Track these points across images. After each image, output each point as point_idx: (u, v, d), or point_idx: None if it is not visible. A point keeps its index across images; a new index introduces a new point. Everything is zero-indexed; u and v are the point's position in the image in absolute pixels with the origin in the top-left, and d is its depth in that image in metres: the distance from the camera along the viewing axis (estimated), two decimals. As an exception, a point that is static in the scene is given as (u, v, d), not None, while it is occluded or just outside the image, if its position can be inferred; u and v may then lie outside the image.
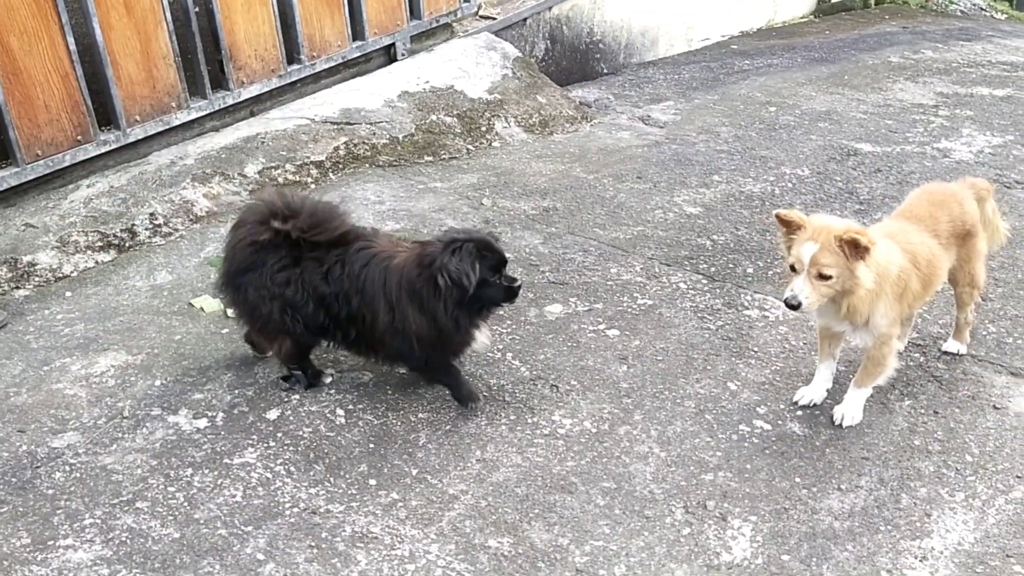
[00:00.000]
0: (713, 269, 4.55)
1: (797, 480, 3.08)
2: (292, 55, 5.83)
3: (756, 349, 3.86)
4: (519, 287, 3.28)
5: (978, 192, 3.63)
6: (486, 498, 2.98)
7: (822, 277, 2.97)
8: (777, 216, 3.14)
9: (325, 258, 3.28)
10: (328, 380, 3.56)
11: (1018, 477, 3.09)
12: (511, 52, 6.94)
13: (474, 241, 3.18)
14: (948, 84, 8.55)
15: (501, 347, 3.82)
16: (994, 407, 3.46)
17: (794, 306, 3.01)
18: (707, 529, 2.86)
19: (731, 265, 4.59)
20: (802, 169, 6.01)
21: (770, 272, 4.52)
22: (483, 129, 6.20)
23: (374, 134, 5.69)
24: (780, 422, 3.38)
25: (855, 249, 2.93)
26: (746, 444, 3.26)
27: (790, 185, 5.71)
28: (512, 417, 3.39)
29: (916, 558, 2.74)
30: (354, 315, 3.27)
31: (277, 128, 5.47)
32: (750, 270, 4.54)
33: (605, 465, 3.15)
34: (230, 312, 3.87)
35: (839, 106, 7.62)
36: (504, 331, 3.94)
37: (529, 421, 3.37)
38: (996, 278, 4.47)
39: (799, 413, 3.43)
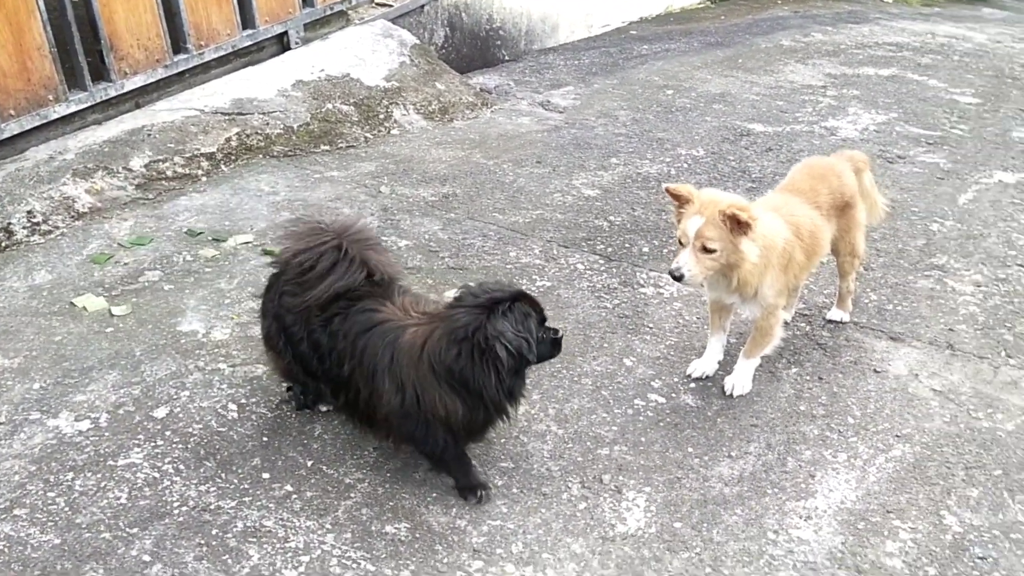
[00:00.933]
0: (610, 249, 4.60)
1: (690, 450, 3.15)
2: (178, 44, 5.64)
3: (651, 325, 3.93)
4: (562, 338, 2.90)
5: (855, 164, 3.76)
6: (384, 485, 2.96)
7: (706, 250, 3.04)
8: (667, 190, 3.21)
9: (330, 303, 2.89)
10: (324, 409, 3.26)
11: (897, 436, 3.23)
12: (408, 39, 6.88)
13: (517, 298, 2.72)
14: (836, 65, 8.84)
15: (399, 334, 3.79)
16: (875, 371, 3.60)
17: (678, 278, 3.07)
18: (603, 502, 2.90)
19: (627, 245, 4.66)
20: (697, 150, 6.13)
21: (665, 251, 4.60)
22: (381, 117, 6.13)
23: (267, 124, 5.55)
24: (674, 395, 3.45)
25: (737, 224, 3.00)
26: (641, 418, 3.32)
27: (686, 166, 5.82)
28: (410, 403, 3.36)
29: (801, 518, 2.83)
30: (345, 381, 2.89)
31: (164, 120, 5.28)
32: (646, 249, 4.61)
33: (503, 446, 3.16)
34: (115, 311, 3.73)
35: (733, 88, 7.81)
36: (402, 318, 3.90)
37: (427, 406, 3.34)
38: (878, 249, 4.66)
39: (692, 385, 3.51)
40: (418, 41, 7.01)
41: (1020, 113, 7.48)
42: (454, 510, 2.86)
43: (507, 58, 8.56)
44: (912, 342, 3.80)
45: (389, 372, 2.75)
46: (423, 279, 4.22)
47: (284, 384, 3.32)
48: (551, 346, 2.84)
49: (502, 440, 3.18)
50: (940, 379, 3.55)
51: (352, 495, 2.91)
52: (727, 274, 3.18)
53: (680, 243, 3.13)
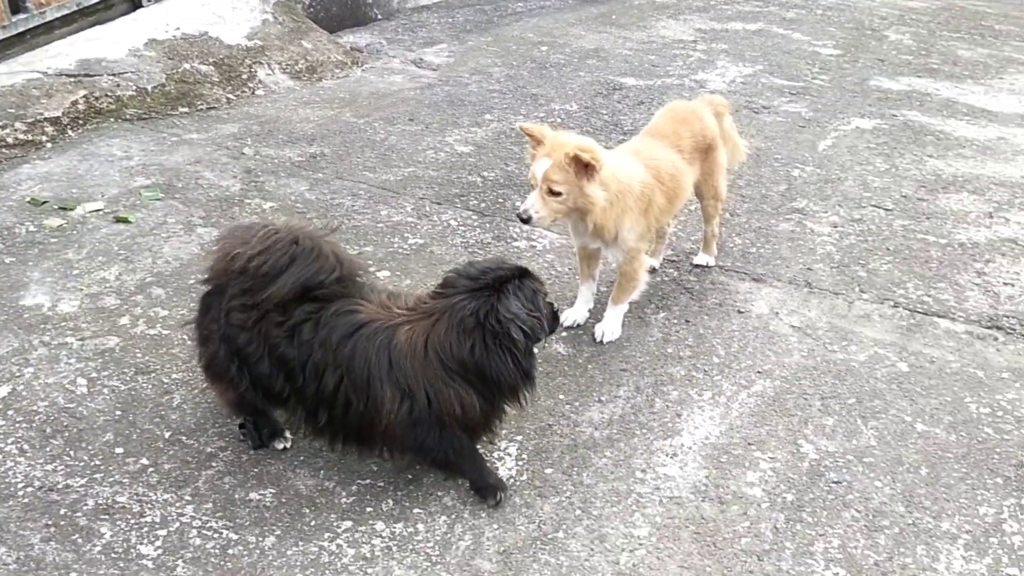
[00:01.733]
0: (483, 205, 4.56)
1: (561, 397, 3.16)
2: (17, 4, 5.25)
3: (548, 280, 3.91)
4: (558, 311, 2.80)
5: (716, 108, 3.82)
6: (248, 452, 2.85)
7: (552, 193, 3.03)
8: (521, 128, 3.19)
9: (291, 309, 2.52)
10: (281, 446, 2.85)
11: (758, 372, 3.33)
12: (271, -4, 6.60)
13: (523, 274, 2.54)
14: (706, 20, 9.00)
15: (264, 298, 3.65)
16: (738, 311, 3.70)
17: (525, 219, 3.07)
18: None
19: (501, 200, 4.62)
20: (571, 104, 6.13)
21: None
22: (244, 77, 5.87)
23: (119, 86, 5.24)
24: (546, 345, 3.45)
25: (582, 167, 2.99)
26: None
27: (559, 120, 5.81)
28: (275, 367, 3.24)
29: (667, 456, 2.89)
30: (328, 396, 2.53)
31: (3, 84, 4.91)
32: (519, 203, 4.58)
33: (373, 405, 3.09)
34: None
35: (607, 44, 7.84)
36: (267, 281, 3.76)
37: (294, 369, 3.24)
38: (743, 195, 4.78)
39: (564, 334, 3.52)
40: (282, -2, 6.73)
41: (877, 63, 7.79)
42: (322, 472, 2.78)
43: (379, 16, 8.33)
44: (773, 282, 3.92)
45: (389, 378, 2.46)
46: (289, 241, 4.07)
47: (236, 421, 2.88)
48: (552, 320, 2.68)
49: (372, 399, 3.11)
50: (799, 316, 3.68)
51: (214, 464, 2.80)
52: (583, 218, 3.18)
53: (531, 185, 3.12)
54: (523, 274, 2.53)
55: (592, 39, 7.96)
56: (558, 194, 3.02)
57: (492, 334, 2.44)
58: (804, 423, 3.07)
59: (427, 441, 2.55)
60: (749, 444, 2.96)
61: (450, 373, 2.47)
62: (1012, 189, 5.11)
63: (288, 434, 2.85)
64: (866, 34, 8.89)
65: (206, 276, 2.69)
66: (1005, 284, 4.01)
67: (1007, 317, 3.74)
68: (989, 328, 3.65)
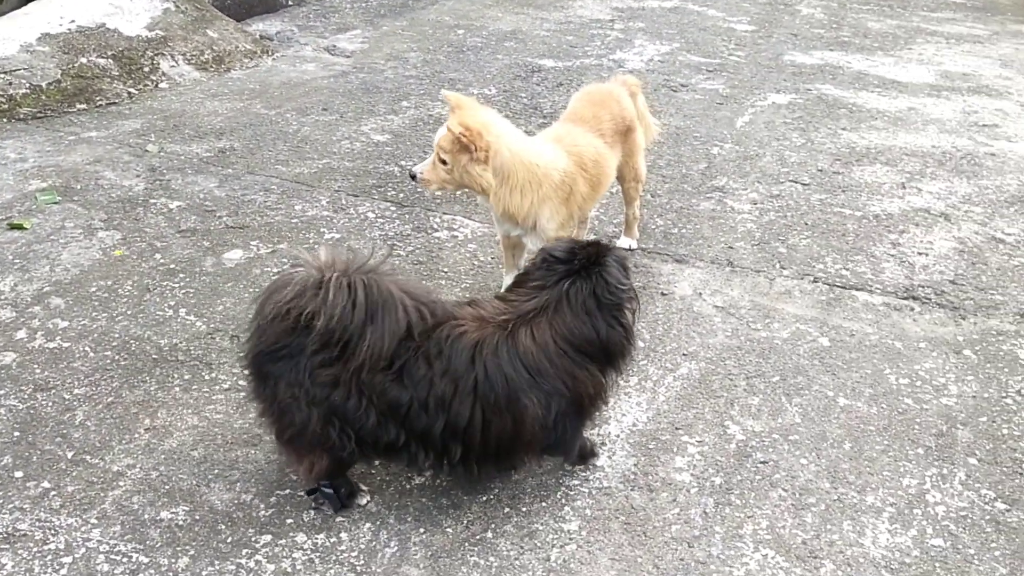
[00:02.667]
0: (402, 195, 4.45)
1: (486, 391, 3.09)
2: None
3: (447, 269, 3.83)
4: None
5: (630, 88, 3.78)
6: (158, 468, 2.71)
7: (441, 161, 3.01)
8: (443, 95, 3.22)
9: (395, 349, 2.32)
10: (363, 501, 2.61)
11: (683, 355, 3.31)
12: (172, -16, 6.32)
13: (607, 247, 2.54)
14: (622, -1, 8.99)
15: (173, 303, 3.49)
16: (661, 294, 3.68)
17: (412, 176, 3.17)
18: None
19: (420, 190, 4.51)
20: (490, 88, 6.04)
21: (459, 192, 4.49)
22: (146, 70, 5.62)
23: (10, 84, 4.95)
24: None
25: (462, 147, 2.97)
26: (437, 364, 3.22)
27: (478, 105, 5.71)
28: (187, 376, 3.10)
29: (596, 446, 2.85)
30: (463, 427, 2.36)
31: None
32: (439, 192, 4.48)
33: (292, 410, 2.97)
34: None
35: (524, 25, 7.77)
36: (176, 286, 3.60)
37: (207, 378, 3.10)
38: (663, 175, 4.77)
39: (488, 326, 3.45)
40: (184, -14, 6.46)
41: (791, 37, 7.89)
42: (238, 485, 2.66)
43: (290, 3, 8.10)
44: (696, 263, 3.92)
45: (532, 386, 2.36)
46: (198, 241, 3.91)
47: (306, 489, 2.59)
48: None
49: (290, 404, 2.99)
50: (721, 296, 3.68)
51: (121, 483, 2.65)
52: (486, 200, 3.18)
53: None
54: (606, 247, 2.54)
55: (509, 21, 7.87)
56: (444, 163, 3.02)
57: (611, 308, 2.44)
58: (730, 404, 3.06)
59: (567, 432, 2.52)
60: (677, 429, 2.94)
61: (581, 357, 2.43)
62: (923, 159, 5.22)
63: (364, 487, 2.64)
64: (779, 9, 9.01)
65: (257, 341, 2.35)
66: (919, 254, 4.08)
67: (922, 287, 3.80)
68: (905, 299, 3.71)
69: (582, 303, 2.41)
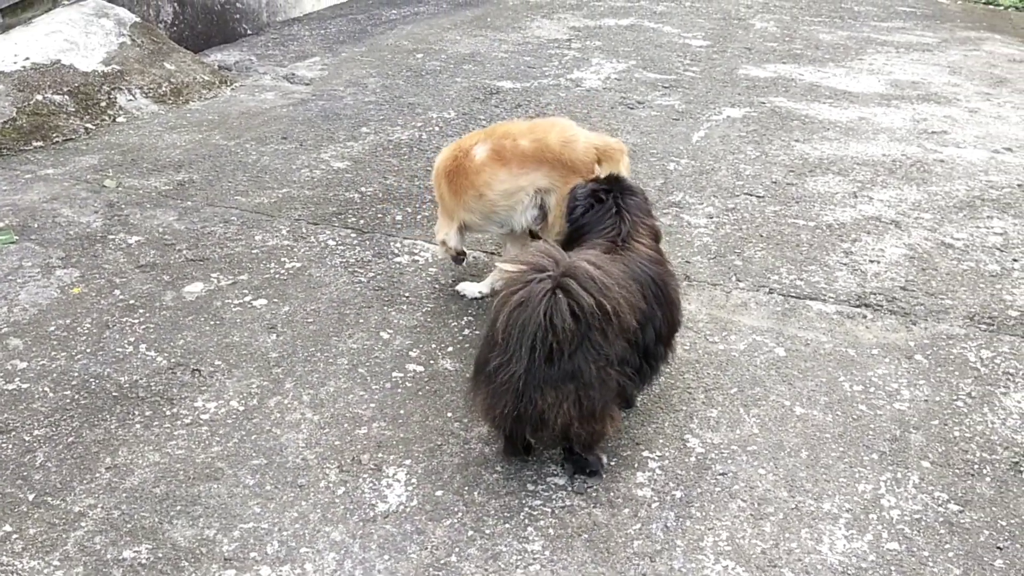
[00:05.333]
0: (362, 221, 4.47)
1: (449, 415, 3.12)
2: None
3: (408, 294, 3.86)
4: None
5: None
6: (119, 507, 2.70)
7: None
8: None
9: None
10: (604, 459, 2.89)
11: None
12: (127, 18, 6.32)
13: (615, 175, 3.27)
14: (580, 18, 9.12)
15: (132, 339, 3.48)
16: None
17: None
18: (362, 484, 2.81)
19: (380, 215, 4.55)
20: (449, 112, 6.10)
21: (419, 217, 4.53)
22: (103, 105, 5.61)
23: (-36, 123, 4.92)
24: (432, 362, 3.41)
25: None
26: (400, 390, 3.24)
27: (437, 129, 5.77)
28: (148, 413, 3.10)
29: (557, 464, 2.87)
30: (659, 327, 2.88)
31: None
32: (399, 217, 4.52)
33: (255, 442, 2.98)
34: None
35: (482, 47, 7.84)
36: (136, 322, 3.59)
37: (168, 413, 3.10)
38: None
39: (450, 349, 3.48)
40: (139, 19, 6.46)
41: (745, 52, 8.04)
42: (201, 520, 2.66)
43: (248, 32, 8.12)
44: (654, 278, 3.98)
45: (667, 274, 2.99)
46: (158, 276, 3.90)
47: (573, 469, 2.85)
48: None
49: (253, 436, 3.00)
50: (682, 315, 3.73)
51: (83, 524, 2.64)
52: None
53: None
54: (616, 175, 3.27)
55: (467, 43, 7.95)
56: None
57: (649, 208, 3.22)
58: (689, 417, 3.11)
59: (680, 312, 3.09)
60: (637, 444, 2.98)
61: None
62: (874, 168, 5.34)
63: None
64: (733, 24, 9.18)
65: (561, 339, 2.51)
66: (871, 262, 4.18)
67: (874, 294, 3.89)
68: (858, 307, 3.79)
69: (643, 209, 3.08)
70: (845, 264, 4.14)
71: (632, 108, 6.32)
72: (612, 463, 2.89)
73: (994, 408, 3.18)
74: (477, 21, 8.83)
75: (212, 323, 3.61)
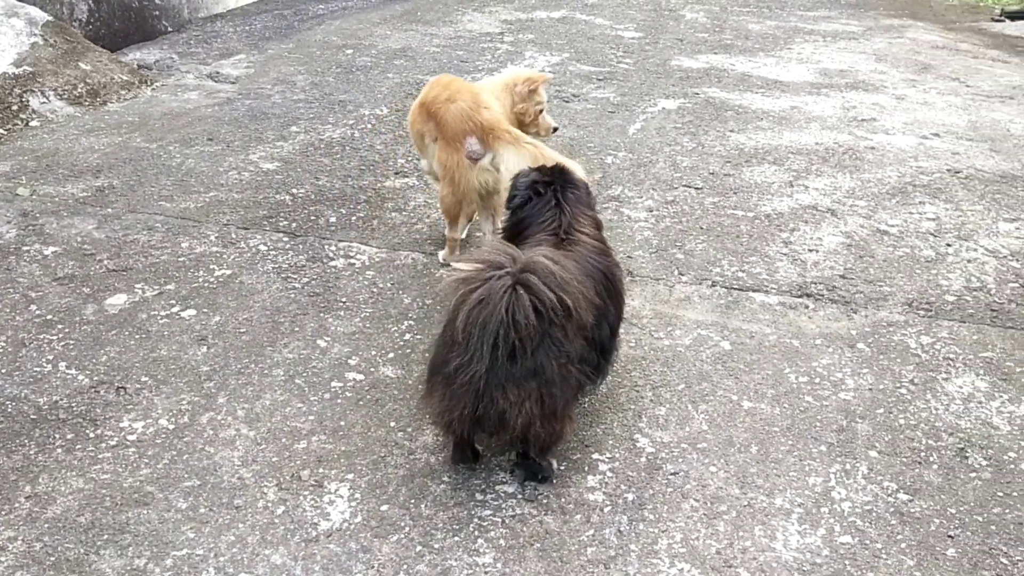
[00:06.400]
0: (295, 224, 4.32)
1: (392, 425, 3.01)
2: None
3: (345, 299, 3.72)
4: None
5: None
6: (41, 539, 2.52)
7: None
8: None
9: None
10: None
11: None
12: (39, 16, 6.02)
13: (561, 165, 3.22)
14: (511, 11, 9.03)
15: (51, 357, 3.28)
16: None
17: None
18: (303, 502, 2.68)
19: (313, 217, 4.40)
20: (381, 108, 5.96)
21: (353, 218, 4.39)
22: (15, 108, 5.32)
23: None
24: (373, 369, 3.29)
25: None
26: (339, 400, 3.12)
27: (369, 126, 5.63)
28: (69, 436, 2.91)
29: (506, 472, 2.79)
30: (612, 321, 2.88)
31: None
32: (333, 219, 4.38)
33: (187, 462, 2.82)
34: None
35: (414, 42, 7.70)
36: (54, 338, 3.39)
37: (91, 436, 2.92)
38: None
39: (391, 356, 3.36)
40: (52, 18, 6.15)
41: (677, 43, 8.06)
42: (131, 549, 2.50)
43: (169, 29, 7.83)
44: (597, 275, 3.92)
45: (613, 265, 2.96)
46: (77, 288, 3.70)
47: (541, 473, 2.76)
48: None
49: (184, 456, 2.84)
50: (625, 306, 3.68)
51: (2, 559, 2.46)
52: None
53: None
54: (562, 166, 3.20)
55: (398, 38, 7.80)
56: None
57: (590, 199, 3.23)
58: (638, 416, 3.06)
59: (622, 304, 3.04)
60: (587, 446, 2.92)
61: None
62: (808, 156, 5.38)
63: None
64: (664, 15, 9.20)
65: (524, 336, 2.46)
66: (810, 251, 4.19)
67: (814, 284, 3.90)
68: (799, 297, 3.80)
69: (584, 201, 3.04)
70: (785, 254, 4.15)
71: (568, 101, 6.26)
72: (562, 467, 2.82)
73: (936, 394, 3.20)
74: (407, 15, 8.68)
75: (137, 337, 3.42)
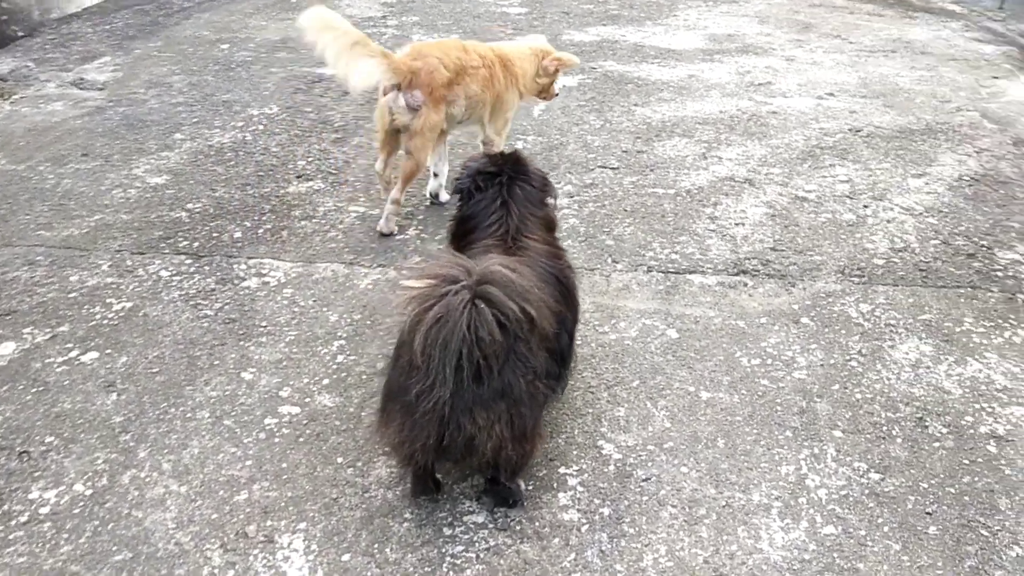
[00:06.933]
0: (196, 244, 3.97)
1: (340, 461, 2.77)
2: None
3: (264, 323, 3.43)
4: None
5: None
6: (-46, 642, 2.19)
7: None
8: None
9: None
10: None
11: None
12: None
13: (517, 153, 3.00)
14: (390, -7, 8.67)
15: (-65, 427, 2.88)
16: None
17: None
18: (254, 563, 2.43)
19: (216, 234, 4.05)
20: (270, 107, 5.59)
21: (260, 231, 4.08)
22: None
23: None
24: (308, 400, 3.03)
25: None
26: (277, 439, 2.86)
27: (261, 127, 5.26)
28: (-30, 518, 2.55)
29: (472, 500, 2.61)
30: (570, 336, 2.74)
31: None
32: (238, 234, 4.05)
33: (113, 532, 2.52)
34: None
35: (293, 32, 7.25)
36: (-64, 403, 2.98)
37: (-3, 514, 2.57)
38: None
39: (326, 382, 3.11)
40: None
41: (564, 16, 7.93)
42: (64, 645, 2.20)
43: (20, 34, 7.14)
44: (530, 271, 3.76)
45: (566, 268, 2.81)
46: (-44, 343, 3.27)
47: (511, 498, 2.59)
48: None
49: (109, 525, 2.53)
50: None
51: None
52: None
53: None
54: (518, 154, 2.98)
55: (276, 29, 7.37)
56: None
57: (545, 195, 3.00)
58: (598, 421, 2.93)
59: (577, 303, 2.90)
60: (551, 460, 2.76)
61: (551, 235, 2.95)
62: (715, 126, 5.35)
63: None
64: (548, -12, 9.02)
65: (489, 353, 2.26)
66: (736, 225, 4.14)
67: (748, 259, 3.85)
68: (736, 275, 3.74)
69: (534, 198, 2.82)
70: (713, 231, 4.09)
71: (465, 85, 6.02)
72: (530, 487, 2.65)
73: (886, 363, 3.19)
74: (280, 4, 8.21)
75: (34, 390, 3.05)
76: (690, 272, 3.75)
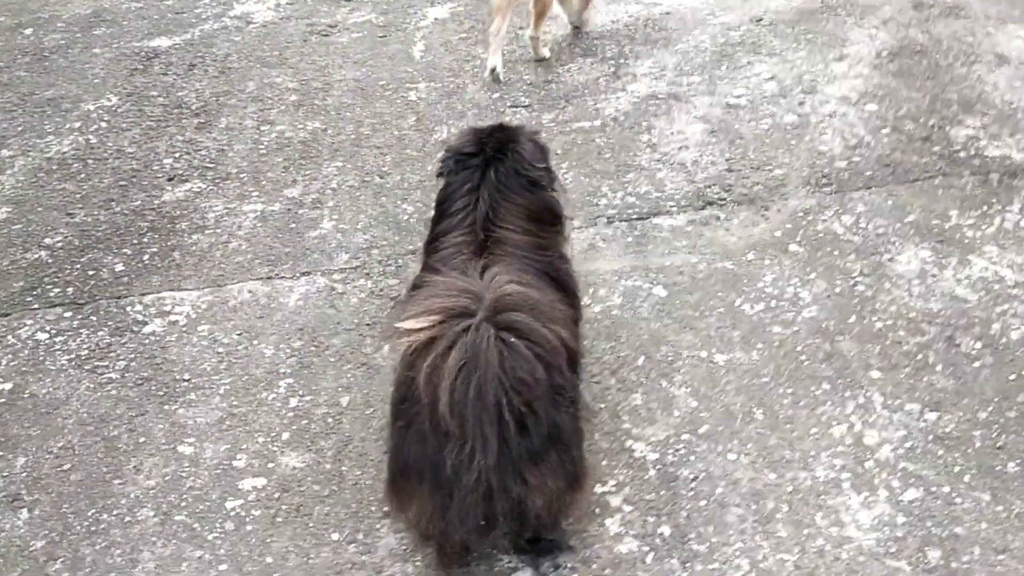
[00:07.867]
0: (71, 289, 3.27)
1: (335, 537, 2.30)
2: None
3: (187, 376, 2.84)
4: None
5: None
6: None
7: None
8: None
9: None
10: None
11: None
12: None
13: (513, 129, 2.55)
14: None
15: None
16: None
17: None
18: None
19: (92, 271, 3.36)
20: (107, 98, 4.75)
21: (146, 257, 3.40)
22: None
23: None
24: (271, 464, 2.51)
25: None
26: (249, 527, 2.34)
27: (104, 124, 4.45)
28: None
29: (506, 552, 2.20)
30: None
31: None
32: (119, 267, 3.37)
33: None
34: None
35: (106, 2, 6.26)
36: None
37: None
38: (377, 146, 4.00)
39: (286, 437, 2.60)
40: None
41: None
42: None
43: None
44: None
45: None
46: None
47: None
48: None
49: None
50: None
51: None
52: None
53: None
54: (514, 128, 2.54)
55: (84, 2, 6.32)
56: None
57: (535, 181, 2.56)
58: (616, 416, 2.55)
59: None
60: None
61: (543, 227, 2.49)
62: (614, 39, 4.90)
63: None
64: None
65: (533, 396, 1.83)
66: (680, 149, 3.78)
67: (709, 187, 3.50)
68: (702, 208, 3.39)
69: (517, 181, 2.31)
70: (659, 161, 3.70)
71: (327, 35, 5.32)
72: (570, 521, 2.26)
73: (892, 280, 2.95)
74: (80, -33, 7.09)
75: (-85, 530, 2.40)
76: (654, 215, 3.37)
